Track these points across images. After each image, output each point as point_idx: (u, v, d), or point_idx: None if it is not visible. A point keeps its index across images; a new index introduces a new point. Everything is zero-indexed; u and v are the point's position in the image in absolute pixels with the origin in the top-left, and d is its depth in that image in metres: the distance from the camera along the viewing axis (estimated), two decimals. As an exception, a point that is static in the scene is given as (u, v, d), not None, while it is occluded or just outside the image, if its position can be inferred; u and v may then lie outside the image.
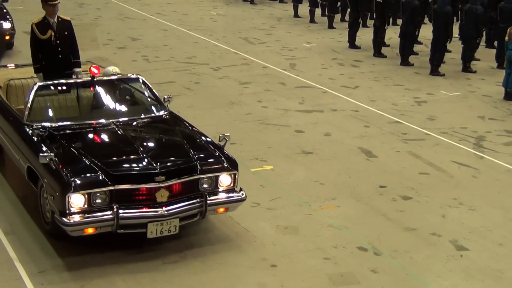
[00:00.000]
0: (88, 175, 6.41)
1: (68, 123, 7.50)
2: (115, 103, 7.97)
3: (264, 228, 7.34)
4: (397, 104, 12.09)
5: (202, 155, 6.94)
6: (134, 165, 6.65)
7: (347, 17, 18.67)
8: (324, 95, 12.55)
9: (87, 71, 8.28)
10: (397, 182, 8.71)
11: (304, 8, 20.61)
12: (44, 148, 6.79)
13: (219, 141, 7.22)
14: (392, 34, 16.78)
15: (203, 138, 7.39)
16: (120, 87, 8.21)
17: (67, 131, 7.35)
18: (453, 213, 7.93)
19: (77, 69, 8.60)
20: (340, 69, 14.53)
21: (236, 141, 9.86)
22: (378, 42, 15.83)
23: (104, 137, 7.42)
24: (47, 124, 7.42)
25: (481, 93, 13.06)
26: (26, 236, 6.98)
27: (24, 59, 12.72)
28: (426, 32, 16.79)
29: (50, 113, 7.63)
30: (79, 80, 8.11)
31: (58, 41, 8.47)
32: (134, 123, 7.67)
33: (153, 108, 8.03)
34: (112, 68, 8.39)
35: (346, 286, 6.34)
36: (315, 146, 9.88)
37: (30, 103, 7.55)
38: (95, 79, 7.94)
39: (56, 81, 7.97)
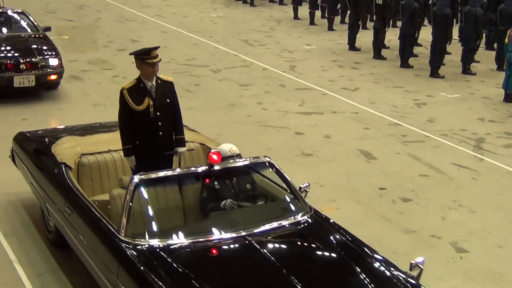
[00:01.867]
0: None
1: (187, 240, 5.15)
2: (243, 203, 5.72)
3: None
4: (397, 106, 12.09)
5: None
6: None
7: (347, 19, 18.68)
8: (324, 97, 12.55)
9: (192, 150, 6.75)
10: (397, 184, 8.71)
11: (304, 10, 20.63)
12: None
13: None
14: (392, 36, 16.79)
15: (375, 255, 5.19)
16: (244, 177, 5.93)
17: (188, 253, 5.10)
18: (453, 215, 7.93)
19: (180, 149, 6.44)
20: (340, 71, 14.53)
21: (236, 143, 9.83)
22: (378, 44, 15.85)
23: (246, 265, 5.10)
24: (155, 242, 5.07)
25: (481, 95, 13.06)
26: (26, 238, 6.98)
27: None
28: (425, 34, 16.80)
29: (158, 222, 5.40)
30: (194, 171, 5.72)
31: (158, 113, 6.19)
32: (275, 236, 5.33)
33: (291, 207, 5.74)
34: (229, 147, 6.15)
35: None
36: (315, 148, 9.89)
37: (127, 209, 5.21)
38: (213, 168, 5.64)
39: (161, 174, 5.60)
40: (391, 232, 7.47)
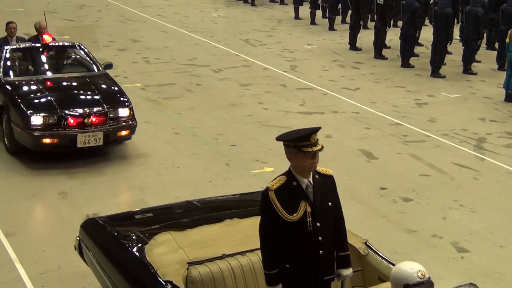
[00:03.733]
0: None
1: None
2: None
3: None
4: (398, 106, 12.09)
5: None
6: None
7: (348, 19, 18.69)
8: (324, 97, 12.55)
9: (359, 270, 4.86)
10: (398, 184, 8.71)
11: (304, 10, 20.62)
12: None
13: None
14: (393, 36, 16.78)
15: None
16: None
17: None
18: (454, 215, 7.93)
19: (345, 272, 4.54)
20: (340, 71, 14.53)
21: (236, 143, 9.88)
22: (379, 44, 15.84)
23: None
24: None
25: (482, 95, 13.05)
26: (27, 238, 6.99)
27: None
28: (426, 34, 16.78)
29: None
30: None
31: (318, 223, 4.41)
32: None
33: None
34: (416, 270, 3.88)
35: None
36: (316, 148, 9.86)
37: None
38: None
39: None
40: (392, 232, 7.47)
